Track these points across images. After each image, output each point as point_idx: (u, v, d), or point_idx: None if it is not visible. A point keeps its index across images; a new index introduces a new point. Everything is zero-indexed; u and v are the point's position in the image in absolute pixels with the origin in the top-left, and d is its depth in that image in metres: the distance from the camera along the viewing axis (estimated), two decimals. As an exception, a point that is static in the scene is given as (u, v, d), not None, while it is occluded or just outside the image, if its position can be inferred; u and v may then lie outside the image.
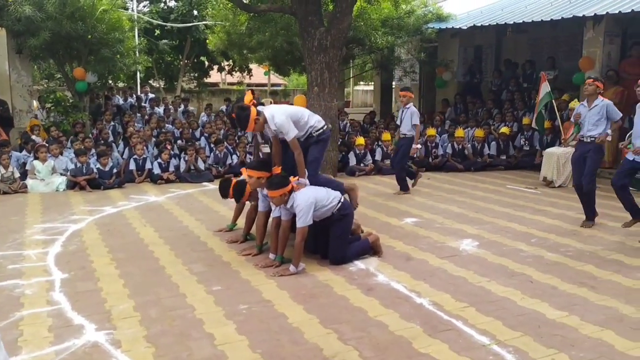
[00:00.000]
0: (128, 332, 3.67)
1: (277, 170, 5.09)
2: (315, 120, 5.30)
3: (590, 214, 6.59)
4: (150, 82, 25.75)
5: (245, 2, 11.04)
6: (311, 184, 4.97)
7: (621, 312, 4.02)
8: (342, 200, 5.05)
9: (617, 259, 5.29)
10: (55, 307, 4.07)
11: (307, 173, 5.06)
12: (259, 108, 5.11)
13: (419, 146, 9.30)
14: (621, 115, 6.56)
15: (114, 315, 3.94)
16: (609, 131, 6.39)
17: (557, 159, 9.05)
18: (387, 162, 10.65)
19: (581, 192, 6.53)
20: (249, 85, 19.87)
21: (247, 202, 5.93)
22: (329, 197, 4.95)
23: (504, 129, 11.25)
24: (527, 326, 3.78)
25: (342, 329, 3.74)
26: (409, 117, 8.39)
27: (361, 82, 35.47)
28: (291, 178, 4.91)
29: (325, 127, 5.38)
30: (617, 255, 5.39)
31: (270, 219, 5.19)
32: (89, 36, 11.31)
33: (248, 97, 5.12)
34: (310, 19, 9.51)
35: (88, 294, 4.35)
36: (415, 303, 4.21)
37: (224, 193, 5.79)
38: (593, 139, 6.40)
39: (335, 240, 5.04)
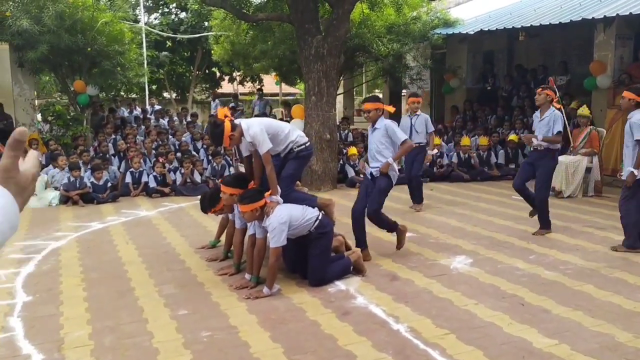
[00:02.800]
0: (75, 363, 3.43)
1: (252, 186, 4.82)
2: (297, 136, 5.00)
3: (545, 223, 6.49)
4: (165, 94, 25.85)
5: (243, 11, 10.84)
6: (283, 201, 4.68)
7: (617, 340, 3.65)
8: (319, 217, 4.76)
9: (620, 277, 4.90)
10: (7, 335, 3.85)
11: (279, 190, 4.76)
12: (237, 121, 4.85)
13: (435, 151, 8.56)
14: (560, 130, 6.27)
15: (66, 343, 3.70)
16: (542, 140, 6.26)
17: (565, 168, 8.63)
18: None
19: (522, 193, 6.52)
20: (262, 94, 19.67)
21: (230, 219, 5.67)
22: (305, 215, 4.66)
23: (512, 137, 10.85)
24: (510, 356, 3.45)
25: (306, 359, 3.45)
26: (422, 125, 7.78)
27: (376, 90, 35.21)
28: (266, 194, 4.64)
29: (308, 143, 5.08)
30: (620, 273, 5.00)
31: (246, 237, 4.92)
32: (89, 49, 11.24)
33: (221, 112, 4.86)
34: (307, 26, 9.30)
35: (46, 319, 4.12)
36: (391, 329, 3.90)
37: (202, 207, 5.55)
38: (544, 148, 6.27)
39: (314, 260, 4.74)
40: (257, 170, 4.94)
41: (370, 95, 7.93)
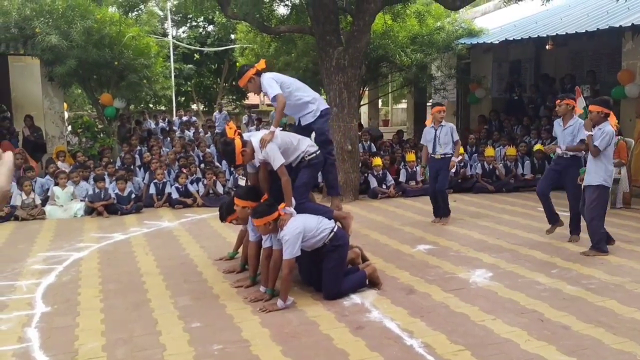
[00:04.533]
0: (87, 375, 3.46)
1: (264, 199, 4.81)
2: (307, 145, 4.99)
3: (554, 220, 6.60)
4: (192, 106, 26.22)
5: (265, 24, 10.93)
6: (297, 211, 4.66)
7: (639, 359, 3.51)
8: (335, 229, 4.72)
9: (645, 293, 4.73)
10: (23, 345, 3.90)
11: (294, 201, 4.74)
12: (245, 137, 4.87)
13: (459, 158, 8.23)
14: (584, 138, 6.14)
15: (79, 355, 3.73)
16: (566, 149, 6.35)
17: (592, 179, 8.41)
18: (412, 183, 10.23)
19: (543, 200, 6.56)
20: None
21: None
22: (319, 227, 4.63)
23: (538, 146, 10.65)
24: (525, 375, 3.35)
25: (316, 375, 3.41)
26: (447, 135, 7.57)
27: (403, 100, 35.05)
28: (280, 206, 4.63)
29: (319, 152, 5.07)
30: (646, 288, 4.83)
31: (262, 250, 4.91)
32: (116, 62, 11.47)
33: (231, 130, 4.87)
34: (328, 38, 9.33)
35: (62, 330, 4.17)
36: (404, 345, 3.82)
37: (220, 215, 5.56)
38: (570, 156, 6.36)
39: (328, 274, 4.69)
40: (265, 183, 4.95)
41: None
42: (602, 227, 6.01)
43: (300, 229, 4.48)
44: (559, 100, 6.44)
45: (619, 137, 8.74)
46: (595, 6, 11.52)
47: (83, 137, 12.24)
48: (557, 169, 6.55)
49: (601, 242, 5.97)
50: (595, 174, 5.89)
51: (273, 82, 5.07)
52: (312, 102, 5.28)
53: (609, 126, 5.82)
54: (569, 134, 6.32)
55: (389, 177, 10.26)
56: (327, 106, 5.40)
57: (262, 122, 16.16)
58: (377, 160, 10.34)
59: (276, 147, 4.65)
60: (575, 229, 6.58)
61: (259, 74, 5.15)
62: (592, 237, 6.01)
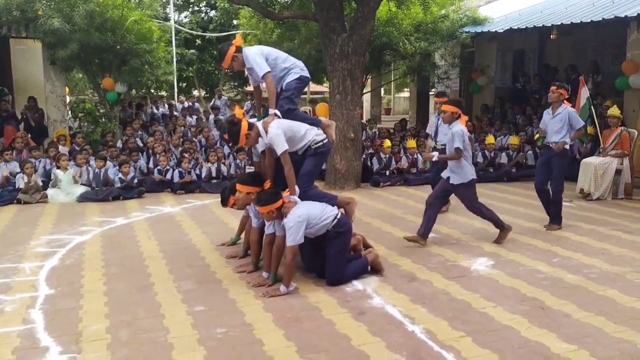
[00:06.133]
0: (91, 356, 3.48)
1: (267, 185, 4.82)
2: (314, 134, 4.98)
3: (557, 218, 6.65)
4: (194, 91, 26.13)
5: (269, 9, 10.87)
6: (301, 198, 4.67)
7: (639, 347, 3.54)
8: (338, 216, 4.74)
9: (646, 283, 4.76)
10: (27, 327, 3.93)
11: (297, 188, 4.74)
12: (251, 121, 4.88)
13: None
14: (583, 123, 6.59)
15: (83, 336, 3.76)
16: (568, 139, 6.48)
17: (594, 169, 8.43)
18: (414, 170, 10.24)
19: (542, 194, 6.71)
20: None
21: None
22: (323, 214, 4.65)
23: (539, 135, 10.64)
24: (526, 362, 3.38)
25: (318, 359, 3.44)
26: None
27: (405, 89, 34.93)
28: (284, 193, 4.64)
29: (326, 140, 5.05)
30: (646, 278, 4.86)
31: (265, 236, 4.93)
32: (118, 47, 11.41)
33: (239, 112, 4.90)
34: (332, 25, 9.28)
35: (66, 312, 4.19)
36: (406, 330, 3.86)
37: (222, 200, 5.57)
38: (555, 143, 6.45)
39: (331, 260, 4.72)
40: (270, 169, 4.95)
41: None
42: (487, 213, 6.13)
43: (304, 216, 4.49)
44: (554, 87, 6.55)
45: (622, 127, 8.75)
46: (601, -5, 11.45)
47: (84, 122, 12.22)
48: (545, 160, 6.67)
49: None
50: (462, 172, 5.98)
51: (259, 58, 4.99)
52: (293, 67, 5.17)
53: (459, 125, 5.99)
54: (558, 122, 6.47)
55: (394, 163, 10.25)
56: (308, 75, 5.31)
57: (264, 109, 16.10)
58: (388, 142, 10.34)
59: (281, 133, 4.64)
60: (554, 218, 6.68)
61: (239, 50, 5.09)
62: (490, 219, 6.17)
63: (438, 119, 7.65)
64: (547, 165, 6.60)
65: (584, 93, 9.01)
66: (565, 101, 6.55)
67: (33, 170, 8.86)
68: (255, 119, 5.07)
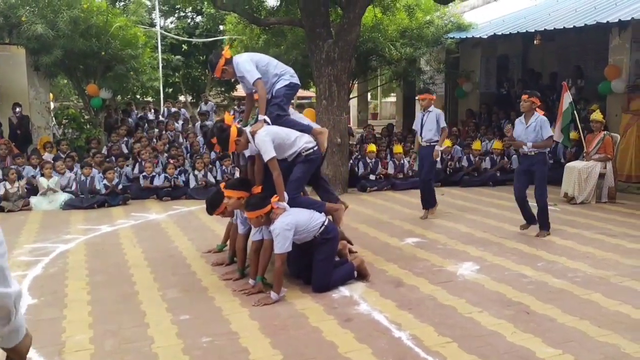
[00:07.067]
0: (74, 367, 3.44)
1: (257, 189, 4.81)
2: (305, 141, 4.97)
3: (545, 224, 6.60)
4: (180, 97, 26.01)
5: (255, 15, 10.87)
6: (290, 205, 4.66)
7: (622, 351, 3.57)
8: (325, 222, 4.73)
9: (630, 286, 4.80)
10: (10, 337, 3.87)
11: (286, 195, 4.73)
12: (242, 127, 4.88)
13: (442, 148, 8.07)
14: (552, 134, 6.53)
15: (67, 347, 3.71)
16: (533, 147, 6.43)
17: (578, 173, 8.51)
18: (400, 176, 10.27)
19: (521, 203, 6.65)
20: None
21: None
22: (311, 221, 4.64)
23: (497, 143, 10.79)
24: (512, 367, 3.39)
25: (304, 367, 3.43)
26: (433, 121, 7.48)
27: (392, 94, 35.06)
28: (272, 199, 4.63)
29: (316, 147, 5.05)
30: (630, 281, 4.90)
31: (251, 243, 4.91)
32: (103, 53, 11.35)
33: (228, 117, 4.89)
34: (318, 31, 9.30)
35: (49, 322, 4.14)
36: (393, 337, 3.85)
37: (207, 208, 5.53)
38: (535, 153, 6.40)
39: (318, 266, 4.71)
40: (259, 175, 4.94)
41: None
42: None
43: (292, 224, 4.48)
44: (525, 96, 6.45)
45: (605, 132, 8.84)
46: (583, 2, 11.60)
47: (69, 129, 12.11)
48: (524, 168, 6.65)
49: None
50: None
51: (249, 66, 5.02)
52: (284, 74, 5.20)
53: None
54: (532, 131, 6.38)
55: (380, 167, 10.28)
56: (298, 82, 5.34)
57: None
58: (372, 147, 10.37)
59: (269, 140, 4.63)
60: (543, 225, 6.65)
61: (229, 61, 5.11)
62: None
63: (423, 116, 7.67)
64: (527, 174, 6.57)
65: (567, 98, 9.11)
66: (537, 109, 6.45)
67: (16, 177, 8.76)
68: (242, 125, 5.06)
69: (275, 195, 4.67)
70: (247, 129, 4.83)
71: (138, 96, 20.30)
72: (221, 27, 22.30)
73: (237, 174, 10.17)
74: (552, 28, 10.46)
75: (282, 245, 4.44)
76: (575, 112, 9.04)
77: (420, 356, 3.56)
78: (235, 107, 19.60)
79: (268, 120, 4.88)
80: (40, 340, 3.82)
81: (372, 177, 10.16)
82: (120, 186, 9.13)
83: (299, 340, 3.81)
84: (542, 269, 5.30)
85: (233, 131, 4.73)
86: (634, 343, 3.67)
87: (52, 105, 13.26)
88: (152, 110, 15.36)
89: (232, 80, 5.49)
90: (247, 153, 5.05)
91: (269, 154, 4.62)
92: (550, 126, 10.28)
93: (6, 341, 1.48)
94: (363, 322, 4.11)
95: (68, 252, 6.16)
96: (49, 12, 10.68)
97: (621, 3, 10.15)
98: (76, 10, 10.75)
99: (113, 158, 10.38)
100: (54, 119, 12.99)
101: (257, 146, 4.71)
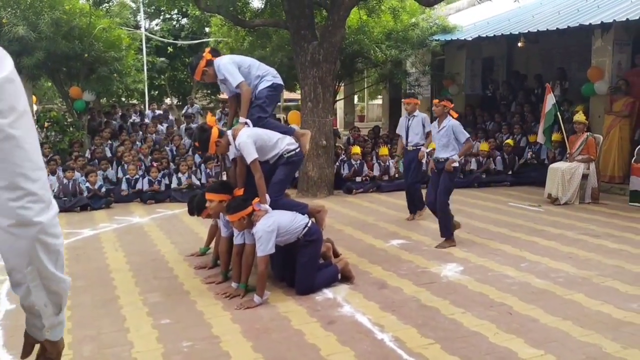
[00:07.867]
0: (52, 373, 3.37)
1: (238, 192, 4.77)
2: (286, 143, 4.93)
3: (447, 232, 6.29)
4: (166, 100, 25.87)
5: (239, 17, 10.83)
6: (272, 207, 4.63)
7: (604, 351, 3.57)
8: (308, 224, 4.70)
9: (611, 286, 4.82)
10: (-14, 344, 3.81)
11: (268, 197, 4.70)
12: (223, 129, 4.84)
13: (428, 150, 7.86)
14: (468, 136, 6.32)
15: (44, 353, 3.64)
16: (456, 157, 6.24)
17: (562, 174, 8.56)
18: (386, 178, 10.27)
19: (434, 211, 6.47)
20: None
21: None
22: (293, 222, 4.61)
23: (509, 141, 10.82)
24: (494, 368, 3.38)
25: (286, 370, 3.39)
26: (419, 125, 7.50)
27: (379, 96, 35.14)
28: (254, 201, 4.59)
29: (298, 149, 5.02)
30: (612, 282, 4.92)
31: (234, 246, 4.87)
32: (86, 55, 11.24)
33: (210, 119, 4.85)
34: (302, 33, 9.28)
35: (27, 328, 4.06)
36: (375, 339, 3.83)
37: (189, 210, 5.50)
38: (445, 159, 6.24)
39: (301, 269, 4.68)
40: (241, 177, 4.90)
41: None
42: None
43: (274, 226, 4.44)
44: (437, 101, 6.41)
45: (588, 133, 8.91)
46: (566, 4, 11.71)
47: (51, 132, 11.97)
48: (436, 172, 6.45)
49: None
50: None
51: (232, 68, 4.95)
52: (266, 75, 5.12)
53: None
54: (444, 136, 6.26)
55: (366, 169, 10.28)
56: (281, 82, 5.28)
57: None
58: (356, 149, 10.36)
59: (251, 142, 4.60)
60: (444, 232, 6.40)
61: (210, 63, 5.05)
62: None
63: (408, 120, 7.67)
64: (438, 177, 6.39)
65: (550, 99, 9.19)
66: (451, 112, 6.33)
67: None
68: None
69: (257, 198, 4.64)
70: (229, 132, 4.79)
71: (123, 99, 20.15)
72: (207, 30, 22.18)
73: (224, 177, 10.13)
74: (536, 30, 10.54)
75: (264, 248, 4.41)
76: (558, 113, 9.12)
77: (402, 358, 3.54)
78: (221, 110, 19.53)
79: (249, 122, 4.85)
80: (17, 346, 3.72)
81: (357, 179, 10.14)
82: (103, 189, 9.03)
83: (281, 343, 3.78)
84: (525, 270, 5.31)
85: (214, 132, 4.70)
86: (615, 343, 3.68)
87: (35, 108, 13.11)
88: (138, 113, 15.25)
89: (205, 82, 5.40)
90: (231, 156, 5.01)
91: (251, 155, 4.58)
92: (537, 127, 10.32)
93: (54, 333, 1.41)
94: (346, 325, 4.08)
95: (48, 256, 6.06)
96: (31, 14, 10.54)
97: (603, 5, 10.26)
98: (58, 11, 10.61)
99: (96, 161, 10.27)
100: (36, 121, 12.82)
101: (238, 148, 4.68)
